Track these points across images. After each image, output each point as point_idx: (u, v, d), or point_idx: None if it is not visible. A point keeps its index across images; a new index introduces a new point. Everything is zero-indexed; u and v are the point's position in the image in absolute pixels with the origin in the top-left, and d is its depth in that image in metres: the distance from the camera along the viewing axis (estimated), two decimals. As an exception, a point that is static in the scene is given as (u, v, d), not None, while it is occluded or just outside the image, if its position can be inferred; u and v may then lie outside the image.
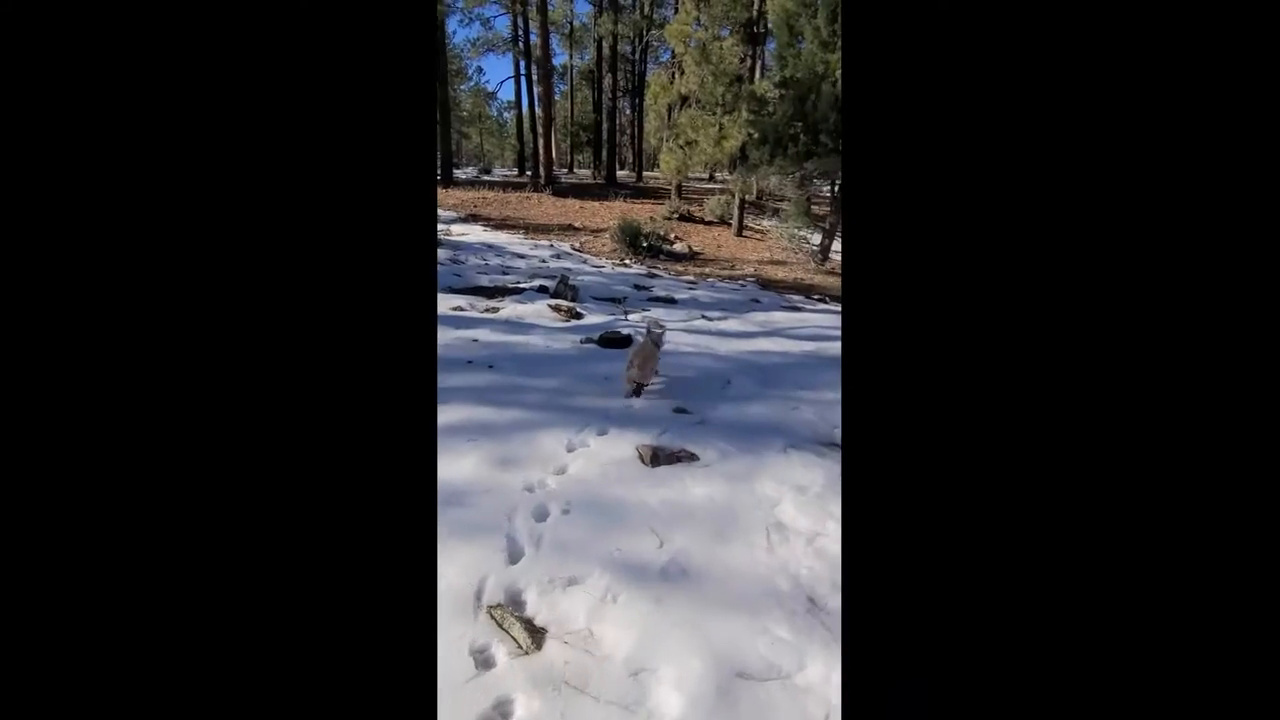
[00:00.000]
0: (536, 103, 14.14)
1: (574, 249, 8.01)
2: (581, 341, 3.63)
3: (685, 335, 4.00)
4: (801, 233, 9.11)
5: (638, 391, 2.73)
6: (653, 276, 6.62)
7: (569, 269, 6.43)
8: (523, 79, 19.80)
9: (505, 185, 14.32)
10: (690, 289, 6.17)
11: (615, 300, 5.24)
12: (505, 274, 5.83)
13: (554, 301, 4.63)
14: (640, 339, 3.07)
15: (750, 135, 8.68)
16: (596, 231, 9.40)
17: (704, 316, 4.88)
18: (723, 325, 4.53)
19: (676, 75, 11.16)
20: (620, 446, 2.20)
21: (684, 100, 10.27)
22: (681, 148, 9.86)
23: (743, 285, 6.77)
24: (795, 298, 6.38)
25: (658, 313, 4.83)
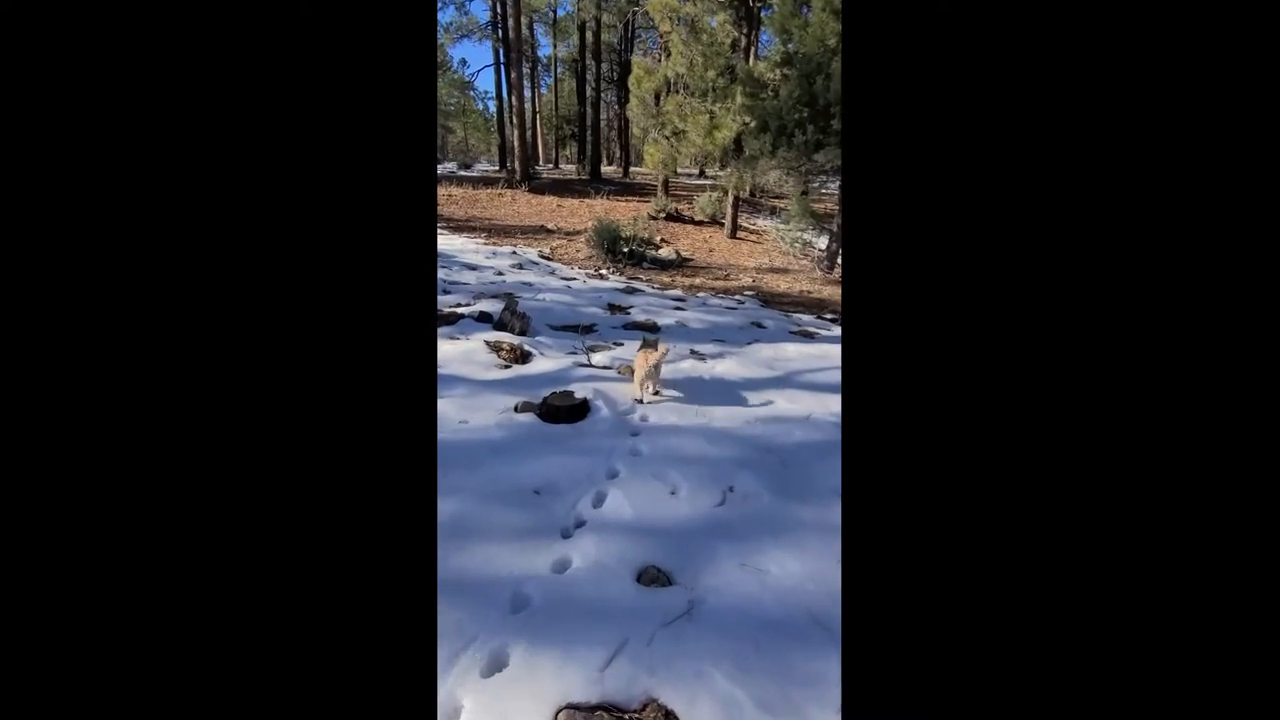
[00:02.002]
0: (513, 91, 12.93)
1: (541, 257, 6.88)
2: (516, 409, 2.51)
3: (668, 393, 2.89)
4: (805, 235, 8.03)
5: (655, 392, 2.78)
6: (632, 292, 5.51)
7: (529, 284, 5.29)
8: (502, 68, 18.56)
9: (481, 181, 13.11)
10: (677, 308, 5.06)
11: (581, 329, 4.11)
12: (446, 293, 4.69)
13: (495, 336, 3.50)
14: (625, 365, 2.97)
15: (746, 124, 7.57)
16: (572, 235, 8.26)
17: (693, 352, 3.76)
18: (718, 369, 3.42)
19: (662, 57, 10.03)
20: (522, 715, 1.09)
21: (671, 86, 9.14)
22: (668, 139, 8.73)
23: (740, 302, 5.67)
24: (804, 318, 5.29)
25: (636, 347, 3.71)
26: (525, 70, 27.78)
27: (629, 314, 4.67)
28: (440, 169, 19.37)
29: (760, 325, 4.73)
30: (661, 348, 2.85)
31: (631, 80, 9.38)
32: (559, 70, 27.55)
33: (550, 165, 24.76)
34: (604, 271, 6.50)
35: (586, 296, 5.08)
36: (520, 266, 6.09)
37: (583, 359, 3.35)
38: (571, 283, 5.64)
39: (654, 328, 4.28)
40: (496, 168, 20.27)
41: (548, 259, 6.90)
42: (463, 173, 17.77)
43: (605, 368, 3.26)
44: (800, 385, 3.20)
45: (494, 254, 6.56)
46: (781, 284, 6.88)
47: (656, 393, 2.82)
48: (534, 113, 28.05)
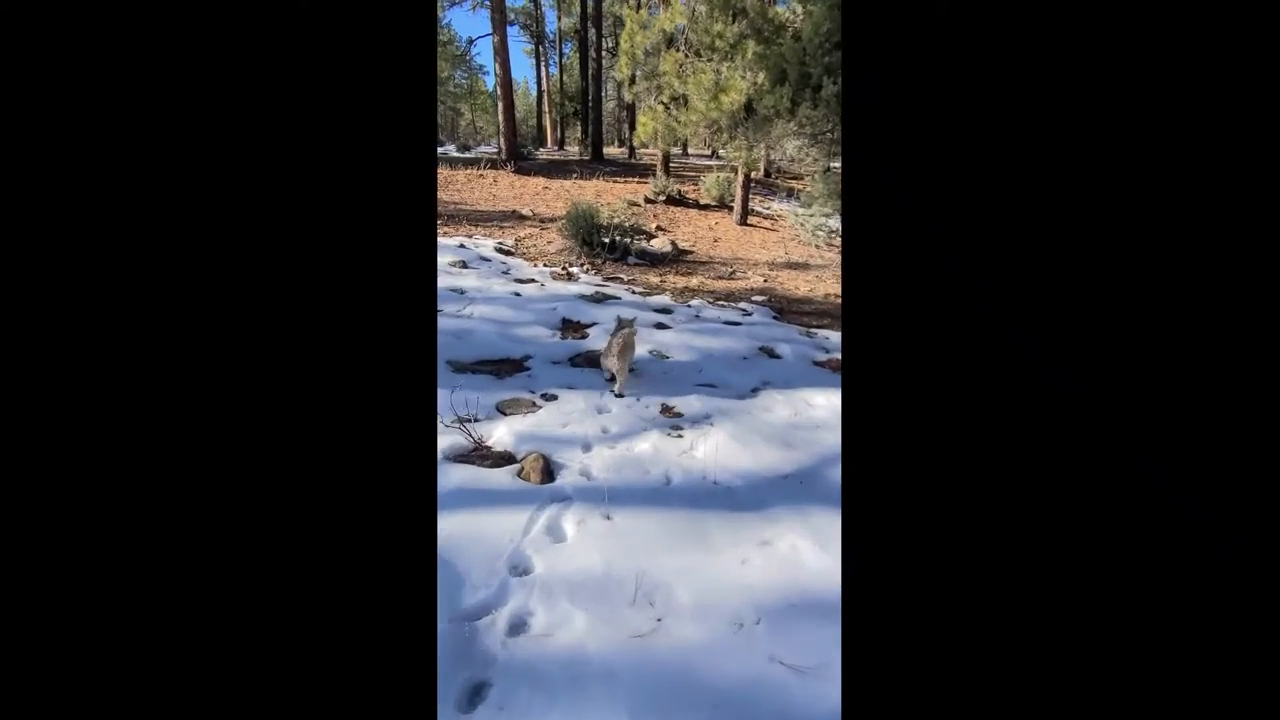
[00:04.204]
0: (523, 66, 11.45)
1: (500, 250, 5.51)
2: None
3: (598, 535, 1.54)
4: (830, 221, 6.56)
5: (612, 379, 2.59)
6: (603, 300, 4.14)
7: (462, 291, 3.95)
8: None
9: (470, 162, 11.71)
10: (660, 325, 3.69)
11: (503, 367, 2.76)
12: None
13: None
14: None
15: (756, 84, 6.09)
16: (548, 222, 6.89)
17: (664, 412, 2.40)
18: (700, 453, 2.06)
19: (661, 8, 8.53)
20: None
21: (671, 43, 7.64)
22: (665, 106, 7.27)
23: (746, 313, 4.27)
24: (833, 337, 3.90)
25: (574, 405, 2.36)
26: (530, 46, 26.19)
27: (586, 337, 3.31)
28: (439, 151, 17.98)
29: (772, 353, 3.33)
30: (628, 331, 2.62)
31: (624, 36, 7.90)
32: (565, 48, 25.96)
33: (555, 147, 23.26)
34: (575, 269, 5.13)
35: (535, 309, 3.72)
36: (463, 265, 4.74)
37: (470, 438, 2.01)
38: (525, 287, 4.28)
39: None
40: (495, 149, 18.84)
41: (508, 253, 5.54)
42: (457, 154, 16.36)
43: (503, 459, 1.91)
44: (839, 493, 1.82)
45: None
46: (801, 284, 5.45)
47: (620, 395, 2.54)
48: (540, 92, 26.54)
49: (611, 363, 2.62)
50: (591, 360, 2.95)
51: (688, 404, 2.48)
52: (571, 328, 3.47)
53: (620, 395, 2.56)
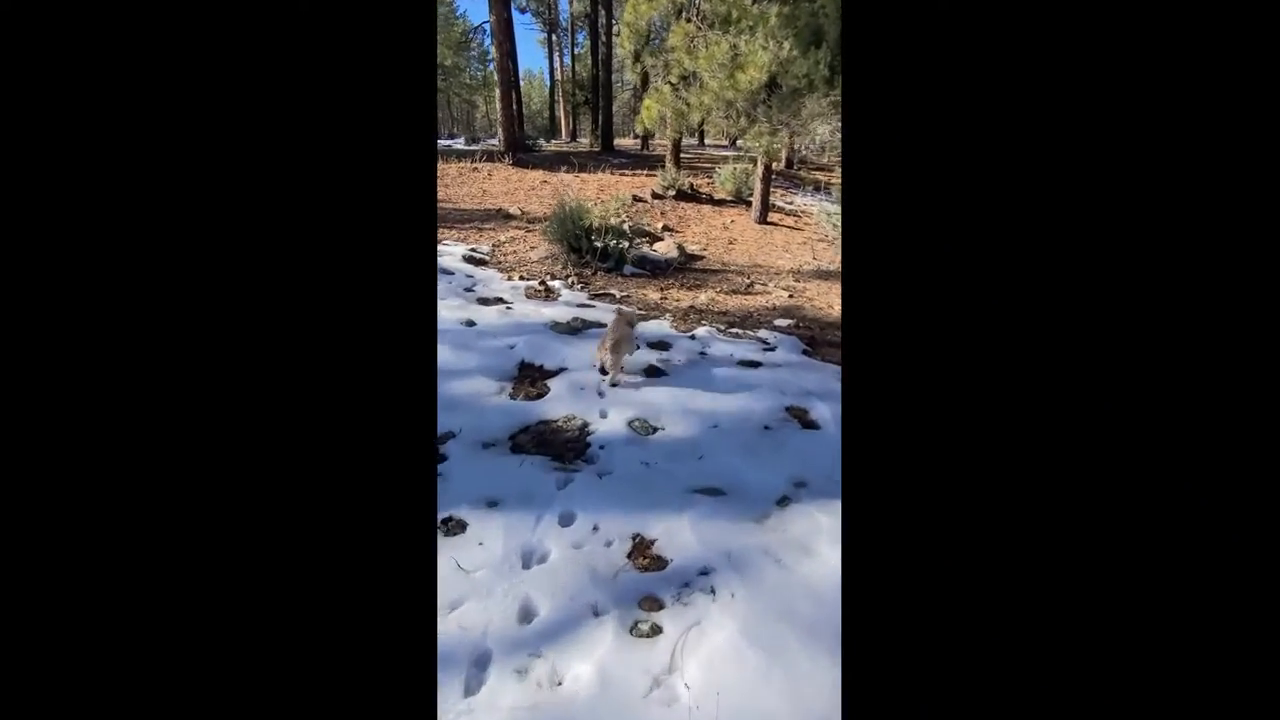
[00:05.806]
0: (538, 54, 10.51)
1: (470, 259, 4.60)
2: None
3: None
4: (867, 221, 5.52)
5: (603, 370, 2.45)
6: (581, 329, 3.21)
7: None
8: (511, 25, 15.99)
9: (472, 155, 10.82)
10: (652, 369, 2.75)
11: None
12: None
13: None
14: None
15: (780, 55, 5.09)
16: (537, 222, 5.96)
17: (635, 555, 1.46)
18: (678, 689, 1.11)
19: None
20: None
21: (680, 14, 6.64)
22: (673, 86, 6.29)
23: (768, 346, 3.30)
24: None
25: (487, 550, 1.44)
26: (543, 35, 25.17)
27: (545, 394, 2.37)
28: (443, 144, 17.14)
29: (805, 418, 2.37)
30: (625, 329, 2.51)
31: (627, 7, 6.92)
32: (580, 37, 24.90)
33: (568, 139, 22.29)
34: (557, 283, 4.20)
35: (486, 347, 2.80)
36: (416, 281, 3.85)
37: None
38: (485, 311, 3.36)
39: (580, 445, 1.98)
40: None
41: (481, 262, 4.62)
42: (460, 147, 15.49)
43: None
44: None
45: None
46: (834, 300, 4.46)
47: (615, 384, 2.42)
48: (553, 83, 25.53)
49: (605, 356, 2.44)
50: (541, 440, 2.02)
51: (675, 535, 1.54)
52: (528, 378, 2.55)
53: (615, 385, 2.44)
